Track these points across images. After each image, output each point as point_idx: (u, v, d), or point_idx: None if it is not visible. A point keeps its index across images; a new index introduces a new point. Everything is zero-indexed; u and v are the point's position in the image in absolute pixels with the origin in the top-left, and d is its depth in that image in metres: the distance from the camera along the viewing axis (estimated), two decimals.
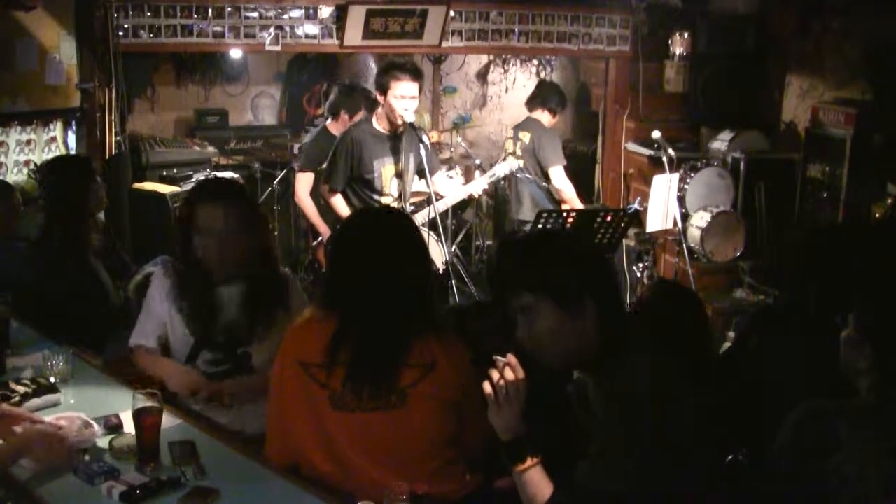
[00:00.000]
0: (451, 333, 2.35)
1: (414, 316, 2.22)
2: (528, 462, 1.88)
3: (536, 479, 1.88)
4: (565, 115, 8.14)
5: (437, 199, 4.63)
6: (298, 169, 5.36)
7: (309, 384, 2.21)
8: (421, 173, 4.74)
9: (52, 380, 2.69)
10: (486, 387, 1.91)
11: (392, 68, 4.43)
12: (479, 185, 5.18)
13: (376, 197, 4.60)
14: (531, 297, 1.87)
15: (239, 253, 2.67)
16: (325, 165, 5.28)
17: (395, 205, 4.61)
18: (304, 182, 5.20)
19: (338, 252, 2.39)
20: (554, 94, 5.88)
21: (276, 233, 6.51)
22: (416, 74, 4.43)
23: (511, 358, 1.91)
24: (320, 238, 5.11)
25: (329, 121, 5.60)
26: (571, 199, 5.61)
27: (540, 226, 4.76)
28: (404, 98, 4.38)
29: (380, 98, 4.49)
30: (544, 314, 1.86)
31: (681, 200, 5.73)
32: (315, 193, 5.18)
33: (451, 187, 5.18)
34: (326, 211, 4.96)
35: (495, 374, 1.90)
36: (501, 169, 5.11)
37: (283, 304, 2.76)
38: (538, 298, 1.87)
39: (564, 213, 4.82)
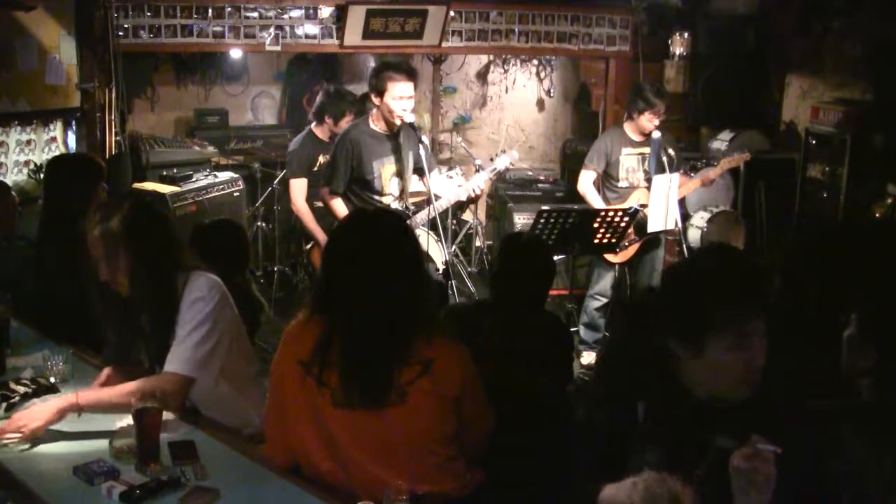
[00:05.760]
0: (449, 332, 2.35)
1: (406, 316, 2.21)
2: None
3: None
4: (566, 115, 8.17)
5: (435, 199, 4.56)
6: (290, 176, 5.30)
7: (309, 383, 2.21)
8: (419, 172, 4.70)
9: (52, 380, 2.70)
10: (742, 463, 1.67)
11: (386, 69, 4.37)
12: (480, 178, 5.13)
13: (376, 197, 4.55)
14: (762, 321, 1.76)
15: (112, 276, 2.59)
16: (316, 168, 5.26)
17: (395, 204, 4.58)
18: (298, 189, 5.13)
19: (328, 254, 2.36)
20: (632, 95, 5.42)
21: (276, 233, 6.52)
22: (412, 74, 4.36)
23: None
24: (312, 242, 5.06)
25: (314, 124, 5.59)
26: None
27: (541, 225, 4.75)
28: (402, 98, 4.32)
29: (376, 100, 4.41)
30: (764, 339, 1.77)
31: (681, 200, 5.72)
32: (311, 198, 5.15)
33: (449, 187, 5.13)
34: (324, 215, 4.92)
35: (762, 465, 1.65)
36: (502, 162, 5.01)
37: (172, 314, 2.58)
38: (761, 322, 1.76)
39: (564, 213, 4.81)
